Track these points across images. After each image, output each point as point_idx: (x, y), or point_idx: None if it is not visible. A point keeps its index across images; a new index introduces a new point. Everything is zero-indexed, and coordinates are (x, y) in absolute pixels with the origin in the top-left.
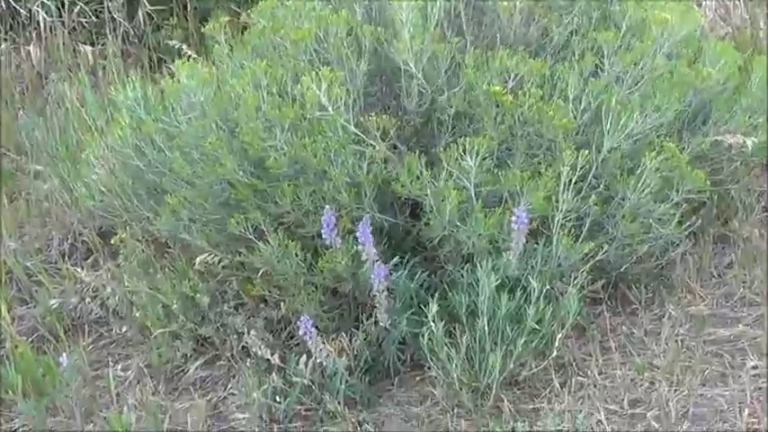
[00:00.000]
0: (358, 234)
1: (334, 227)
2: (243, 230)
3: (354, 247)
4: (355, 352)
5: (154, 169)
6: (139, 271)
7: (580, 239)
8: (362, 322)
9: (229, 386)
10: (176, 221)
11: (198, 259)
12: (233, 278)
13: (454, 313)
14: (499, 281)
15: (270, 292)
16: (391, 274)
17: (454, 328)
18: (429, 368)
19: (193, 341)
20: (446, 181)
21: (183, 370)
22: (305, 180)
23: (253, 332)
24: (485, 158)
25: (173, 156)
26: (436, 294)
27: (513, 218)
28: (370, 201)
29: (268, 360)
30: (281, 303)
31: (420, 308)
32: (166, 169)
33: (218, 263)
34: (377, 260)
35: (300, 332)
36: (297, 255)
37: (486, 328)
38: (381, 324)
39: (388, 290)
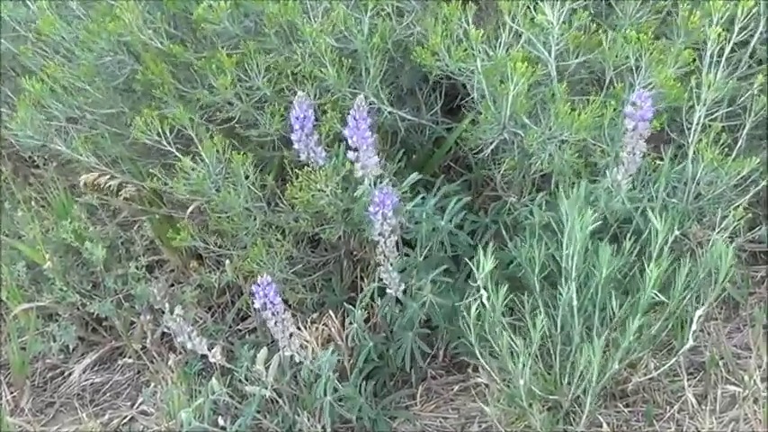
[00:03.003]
0: (347, 129)
1: (313, 128)
2: (157, 136)
3: (346, 162)
4: (351, 342)
5: (5, 33)
6: None
7: (734, 153)
8: (362, 292)
9: (140, 400)
10: (44, 122)
11: (82, 179)
12: (144, 219)
13: (519, 276)
14: (598, 221)
15: (205, 242)
16: (404, 205)
17: (520, 303)
18: (475, 370)
19: (80, 324)
20: (508, 47)
21: (61, 372)
22: (260, 45)
23: (179, 309)
24: (575, 9)
25: (37, 5)
26: (489, 244)
27: (628, 108)
28: (373, 82)
29: (204, 357)
30: (226, 261)
31: (459, 265)
32: (24, 31)
33: (118, 192)
34: (379, 178)
35: (256, 305)
36: (248, 177)
37: (575, 301)
38: (390, 292)
39: (402, 235)
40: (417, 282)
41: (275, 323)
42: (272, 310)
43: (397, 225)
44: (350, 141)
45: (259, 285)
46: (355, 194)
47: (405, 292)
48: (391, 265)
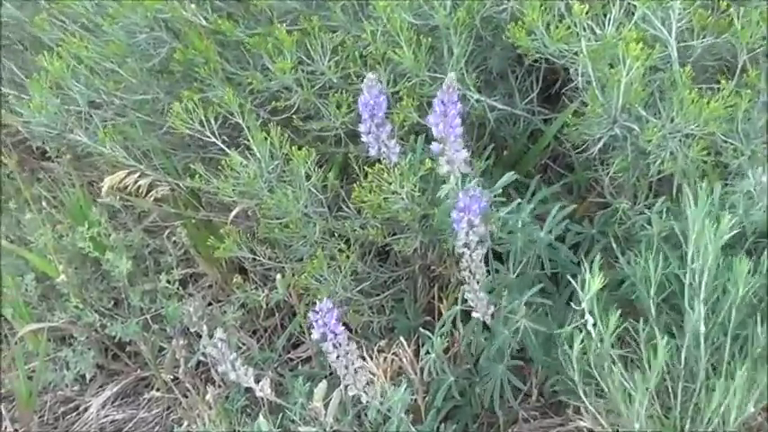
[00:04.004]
0: (432, 116)
1: (385, 118)
2: (200, 125)
3: (425, 159)
4: (426, 376)
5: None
6: None
7: None
8: (440, 317)
9: None
10: (62, 107)
11: (105, 183)
12: (177, 224)
13: (632, 299)
14: (735, 230)
15: (254, 252)
16: (496, 211)
17: (634, 331)
18: (577, 411)
19: (98, 349)
20: (619, 25)
21: (76, 407)
22: (321, 21)
23: (219, 333)
24: None
25: None
26: (595, 259)
27: None
28: (458, 64)
29: (249, 391)
30: (277, 276)
31: (558, 285)
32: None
33: (148, 192)
34: (467, 178)
35: (314, 335)
36: (309, 176)
37: (702, 328)
38: (477, 316)
39: (493, 247)
40: (509, 303)
41: (337, 357)
42: (333, 342)
43: (486, 235)
44: (434, 131)
45: (318, 312)
46: (438, 195)
47: (493, 316)
48: (478, 283)
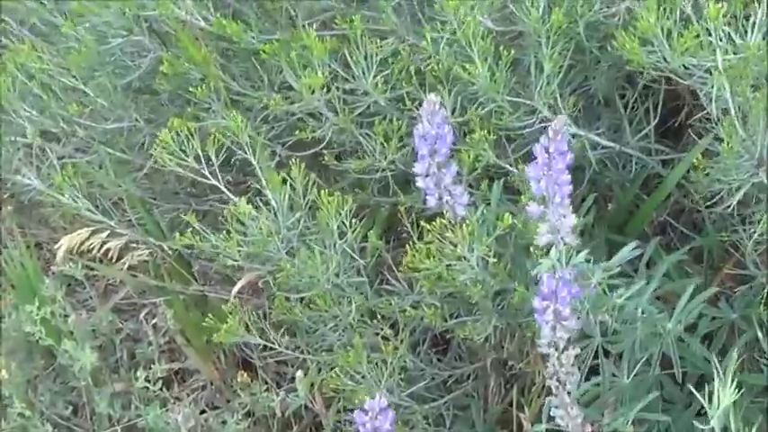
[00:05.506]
0: (532, 168)
1: (450, 156)
2: (195, 163)
3: (503, 213)
4: None
5: None
6: None
7: None
8: (520, 430)
9: None
10: (3, 139)
11: (62, 244)
12: (161, 302)
13: None
14: None
15: (265, 339)
16: (608, 295)
17: None
18: None
19: None
20: (766, 33)
21: None
22: (366, 23)
23: None
24: None
25: None
26: (732, 357)
27: None
28: (549, 86)
29: None
30: (297, 373)
31: (683, 387)
32: None
33: (120, 258)
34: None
35: None
36: (343, 234)
37: None
38: None
39: (604, 344)
40: (617, 420)
41: None
42: None
43: (595, 329)
44: (534, 187)
45: (367, 412)
46: (534, 271)
47: None
48: (568, 394)
